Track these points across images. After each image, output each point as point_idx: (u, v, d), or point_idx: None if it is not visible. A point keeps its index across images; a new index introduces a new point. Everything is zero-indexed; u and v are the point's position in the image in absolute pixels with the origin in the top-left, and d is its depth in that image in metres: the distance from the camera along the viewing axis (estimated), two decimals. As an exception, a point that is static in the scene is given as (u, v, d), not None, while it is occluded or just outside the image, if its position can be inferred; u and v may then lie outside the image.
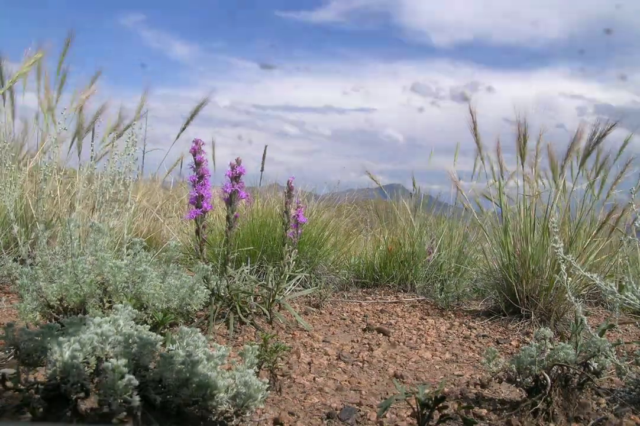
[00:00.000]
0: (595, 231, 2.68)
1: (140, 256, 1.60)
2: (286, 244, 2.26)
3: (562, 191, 2.64)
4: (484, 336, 2.30)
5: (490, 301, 2.74)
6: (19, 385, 1.06)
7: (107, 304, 1.54)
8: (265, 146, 3.73)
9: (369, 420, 1.24)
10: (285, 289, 2.29)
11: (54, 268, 1.55)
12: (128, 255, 1.62)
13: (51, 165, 2.63)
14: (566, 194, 2.66)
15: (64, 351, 0.97)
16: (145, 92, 3.42)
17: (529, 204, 2.66)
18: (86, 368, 1.00)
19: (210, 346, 1.11)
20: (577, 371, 1.30)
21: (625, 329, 2.48)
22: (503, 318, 2.54)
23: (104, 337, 1.02)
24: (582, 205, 2.69)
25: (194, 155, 1.94)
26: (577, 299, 1.42)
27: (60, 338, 1.00)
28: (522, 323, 2.44)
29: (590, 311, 2.76)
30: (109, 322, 1.07)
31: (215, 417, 1.05)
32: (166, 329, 1.48)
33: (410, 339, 2.18)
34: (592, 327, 1.39)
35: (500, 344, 2.16)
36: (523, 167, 2.68)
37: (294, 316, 2.17)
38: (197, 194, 1.94)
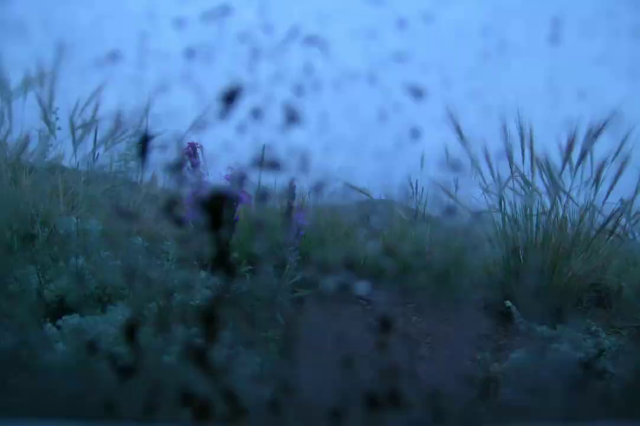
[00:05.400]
0: (595, 234, 2.68)
1: (139, 256, 1.60)
2: (287, 245, 2.26)
3: (560, 194, 2.63)
4: (483, 336, 2.29)
5: (490, 301, 2.74)
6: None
7: (106, 304, 1.54)
8: (264, 146, 3.71)
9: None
10: (286, 290, 2.28)
11: (53, 267, 1.55)
12: (128, 255, 1.62)
13: (51, 164, 2.63)
14: (563, 197, 2.65)
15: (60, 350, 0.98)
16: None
17: (528, 206, 2.66)
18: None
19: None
20: (577, 373, 1.30)
21: (626, 331, 2.48)
22: (503, 318, 2.54)
23: (101, 337, 1.02)
24: (585, 208, 2.68)
25: (189, 157, 1.93)
26: (578, 300, 1.42)
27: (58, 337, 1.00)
28: (522, 324, 2.43)
29: (590, 313, 2.76)
30: (108, 322, 1.07)
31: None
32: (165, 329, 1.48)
33: (409, 338, 2.18)
34: (593, 328, 1.39)
35: (500, 345, 2.16)
36: (514, 169, 2.65)
37: (294, 316, 2.17)
38: (193, 197, 1.93)
